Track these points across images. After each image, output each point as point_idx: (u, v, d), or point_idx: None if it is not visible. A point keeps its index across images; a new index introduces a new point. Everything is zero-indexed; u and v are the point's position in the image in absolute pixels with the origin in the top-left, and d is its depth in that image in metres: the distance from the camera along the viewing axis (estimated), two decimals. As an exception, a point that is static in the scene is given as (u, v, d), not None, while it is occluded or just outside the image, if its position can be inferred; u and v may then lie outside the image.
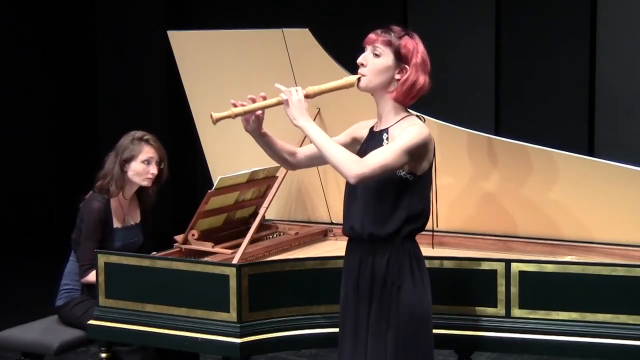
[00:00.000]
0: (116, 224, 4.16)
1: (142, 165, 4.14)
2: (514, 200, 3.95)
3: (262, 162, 4.28)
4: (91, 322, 3.71)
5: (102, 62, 9.67)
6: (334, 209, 4.37)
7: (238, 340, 3.43)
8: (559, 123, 7.28)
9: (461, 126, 3.91)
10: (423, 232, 3.21)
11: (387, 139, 3.10)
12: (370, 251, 3.13)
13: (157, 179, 4.21)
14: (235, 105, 3.13)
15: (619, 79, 7.01)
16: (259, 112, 3.19)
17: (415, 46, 3.10)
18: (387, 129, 3.14)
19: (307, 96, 3.10)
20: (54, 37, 9.34)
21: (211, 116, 3.10)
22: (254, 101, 3.16)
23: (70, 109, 9.37)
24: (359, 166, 2.96)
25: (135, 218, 4.28)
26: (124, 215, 4.21)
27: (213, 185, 4.00)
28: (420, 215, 3.12)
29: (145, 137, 4.19)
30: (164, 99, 9.14)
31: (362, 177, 2.96)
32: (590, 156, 3.97)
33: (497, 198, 3.96)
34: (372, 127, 3.23)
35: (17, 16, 9.15)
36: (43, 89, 9.38)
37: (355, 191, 3.13)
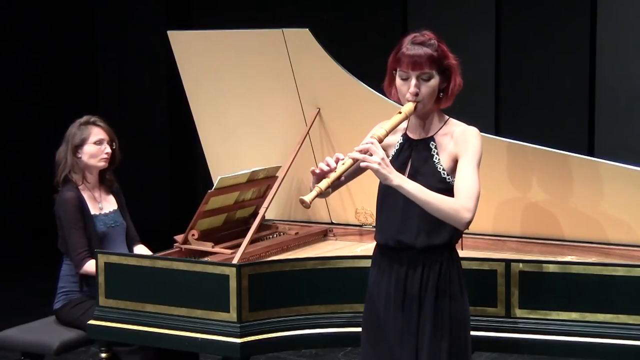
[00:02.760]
0: (93, 211, 4.16)
1: (95, 146, 4.16)
2: (513, 200, 3.95)
3: (262, 162, 4.29)
4: (91, 322, 3.71)
5: (102, 62, 9.67)
6: (334, 209, 4.36)
7: (238, 340, 3.43)
8: (559, 123, 7.28)
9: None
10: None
11: (436, 147, 3.05)
12: (420, 261, 3.05)
13: (111, 161, 4.22)
14: (314, 173, 2.98)
15: (619, 79, 7.01)
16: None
17: (446, 49, 3.03)
18: (432, 137, 3.08)
19: (380, 141, 2.94)
20: (54, 37, 9.34)
21: (303, 201, 2.87)
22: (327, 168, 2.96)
23: (71, 109, 9.32)
24: (467, 212, 2.92)
25: (112, 205, 4.28)
26: (98, 203, 4.22)
27: (213, 185, 4.00)
28: None
29: (92, 120, 4.22)
30: (164, 99, 9.14)
31: (471, 219, 2.94)
32: (590, 156, 3.97)
33: (497, 198, 3.96)
34: (406, 134, 3.13)
35: (17, 16, 9.15)
36: (43, 89, 9.38)
37: (397, 204, 3.03)
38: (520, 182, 3.91)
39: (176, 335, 3.53)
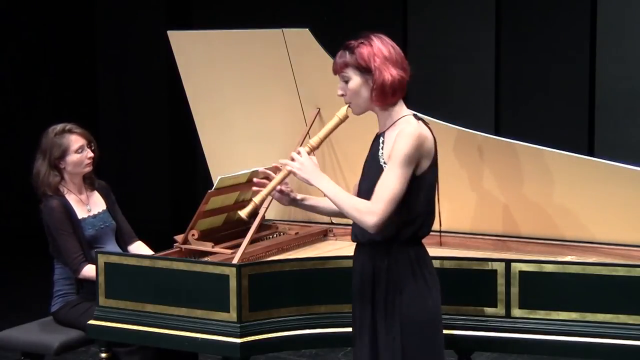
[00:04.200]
0: (81, 215, 4.14)
1: (77, 154, 4.12)
2: (514, 200, 3.95)
3: (262, 162, 4.28)
4: (91, 322, 3.71)
5: (102, 62, 9.67)
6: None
7: (238, 340, 3.43)
8: (559, 123, 7.28)
9: (461, 126, 3.91)
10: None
11: (383, 142, 3.12)
12: (371, 256, 3.15)
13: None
14: (257, 185, 3.23)
15: (619, 79, 7.01)
16: (281, 187, 3.24)
17: (370, 50, 3.10)
18: (383, 132, 3.16)
19: (313, 149, 3.17)
20: (54, 37, 9.34)
21: (241, 216, 3.17)
22: (267, 178, 3.25)
23: (71, 109, 9.36)
24: (371, 216, 2.99)
25: (100, 205, 4.26)
26: (85, 205, 4.20)
27: (213, 185, 3.99)
28: (420, 217, 3.10)
29: (68, 128, 4.15)
30: (164, 99, 9.14)
31: (379, 224, 2.99)
32: (590, 156, 3.97)
33: (497, 198, 3.96)
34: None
35: (17, 16, 9.15)
36: (43, 89, 9.38)
37: (360, 197, 3.12)
38: (519, 182, 3.91)
39: (176, 335, 3.53)
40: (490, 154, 3.90)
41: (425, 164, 3.07)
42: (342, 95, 3.16)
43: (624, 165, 3.73)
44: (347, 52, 3.14)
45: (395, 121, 3.13)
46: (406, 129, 3.06)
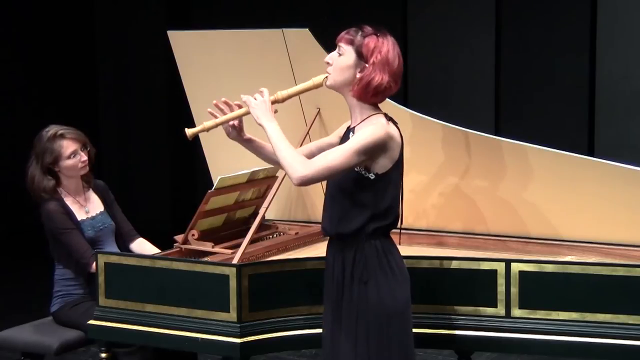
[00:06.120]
0: (80, 217, 4.13)
1: (71, 160, 4.10)
2: (513, 200, 3.95)
3: (262, 162, 4.28)
4: (91, 322, 3.71)
5: (102, 62, 9.68)
6: (334, 209, 4.36)
7: (238, 340, 3.43)
8: (559, 123, 7.28)
9: (462, 126, 3.91)
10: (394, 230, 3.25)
11: (354, 136, 3.14)
12: (340, 249, 3.19)
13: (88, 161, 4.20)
14: (213, 115, 3.26)
15: (619, 79, 7.01)
16: (235, 122, 3.28)
17: (378, 45, 3.11)
18: (354, 127, 3.18)
19: (276, 101, 3.20)
20: (54, 37, 9.34)
21: (185, 133, 3.23)
22: (229, 105, 3.29)
23: (71, 109, 9.37)
24: (302, 168, 3.02)
25: (98, 206, 4.25)
26: (84, 207, 4.19)
27: (213, 185, 3.99)
28: (386, 212, 3.14)
29: (60, 133, 4.10)
30: (164, 99, 9.14)
31: (305, 178, 3.02)
32: (590, 156, 3.97)
33: (498, 198, 3.96)
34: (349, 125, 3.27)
35: (17, 16, 9.14)
36: (43, 89, 9.38)
37: (327, 194, 3.21)
38: (519, 183, 3.91)
39: (176, 335, 3.53)
40: (492, 155, 3.90)
41: (387, 163, 3.10)
42: (328, 63, 3.16)
43: (624, 165, 3.73)
44: (359, 33, 3.13)
45: (367, 118, 3.15)
46: (373, 126, 3.09)
